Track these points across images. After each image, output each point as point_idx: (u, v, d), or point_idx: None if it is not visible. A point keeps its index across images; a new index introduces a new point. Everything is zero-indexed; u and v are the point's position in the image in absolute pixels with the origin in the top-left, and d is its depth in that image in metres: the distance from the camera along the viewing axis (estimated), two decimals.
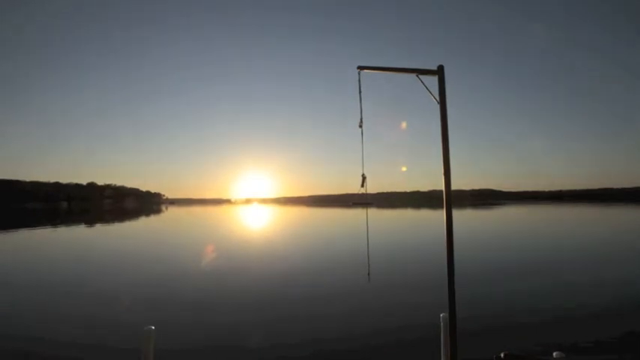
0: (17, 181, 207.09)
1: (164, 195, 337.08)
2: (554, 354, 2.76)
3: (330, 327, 6.66)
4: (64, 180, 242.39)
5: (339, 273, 11.49)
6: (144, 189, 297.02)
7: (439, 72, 3.12)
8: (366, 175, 3.46)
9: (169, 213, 74.50)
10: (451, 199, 3.07)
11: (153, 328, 3.21)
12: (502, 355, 2.79)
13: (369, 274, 4.41)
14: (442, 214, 3.08)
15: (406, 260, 13.94)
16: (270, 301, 8.52)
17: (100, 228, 33.41)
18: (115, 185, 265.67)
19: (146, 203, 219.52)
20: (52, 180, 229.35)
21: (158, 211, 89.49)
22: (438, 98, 3.11)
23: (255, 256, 15.96)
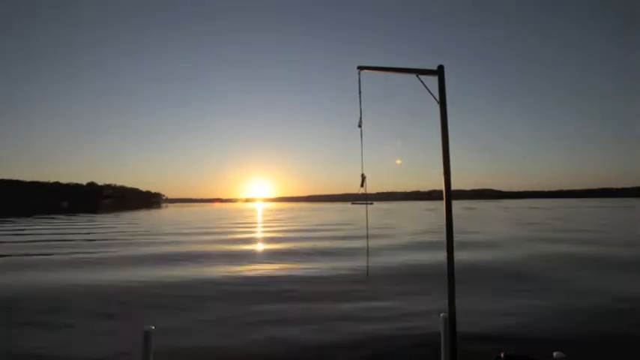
0: (17, 181, 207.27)
1: (164, 195, 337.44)
2: (554, 354, 2.76)
3: (327, 326, 6.65)
4: (64, 180, 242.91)
5: (336, 271, 11.49)
6: (144, 189, 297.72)
7: (439, 72, 3.13)
8: (366, 175, 3.47)
9: (169, 211, 74.42)
10: (451, 199, 3.07)
11: (153, 328, 3.21)
12: (502, 355, 2.79)
13: (367, 273, 4.40)
14: (442, 212, 3.08)
15: (406, 259, 13.93)
16: (267, 299, 8.51)
17: (98, 226, 33.38)
18: (115, 185, 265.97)
19: (146, 203, 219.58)
20: (52, 180, 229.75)
21: (158, 209, 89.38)
22: (438, 98, 3.12)
23: (254, 253, 15.97)
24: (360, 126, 3.54)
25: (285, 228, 31.10)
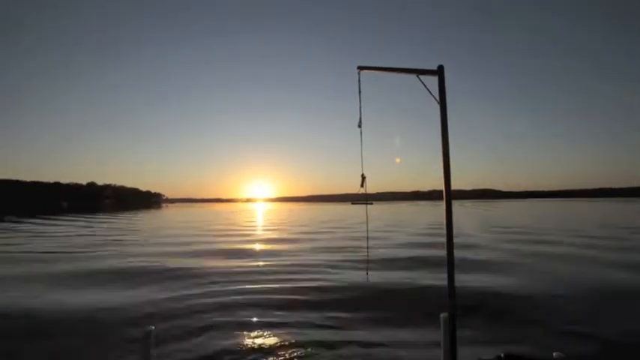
0: (17, 181, 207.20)
1: (164, 195, 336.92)
2: (554, 354, 2.77)
3: (327, 327, 6.66)
4: (64, 180, 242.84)
5: (336, 271, 11.49)
6: (144, 189, 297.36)
7: (439, 72, 3.12)
8: (366, 175, 3.47)
9: (169, 212, 74.28)
10: (451, 199, 3.07)
11: (153, 328, 3.22)
12: (502, 355, 2.80)
13: (367, 273, 4.39)
14: (442, 211, 3.08)
15: (406, 259, 13.92)
16: (267, 298, 8.52)
17: (98, 225, 33.38)
18: (115, 185, 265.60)
19: (146, 203, 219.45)
20: (52, 180, 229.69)
21: (158, 210, 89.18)
22: (438, 98, 3.12)
23: (253, 252, 15.96)
24: (359, 126, 3.54)
25: None
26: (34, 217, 50.02)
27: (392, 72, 3.40)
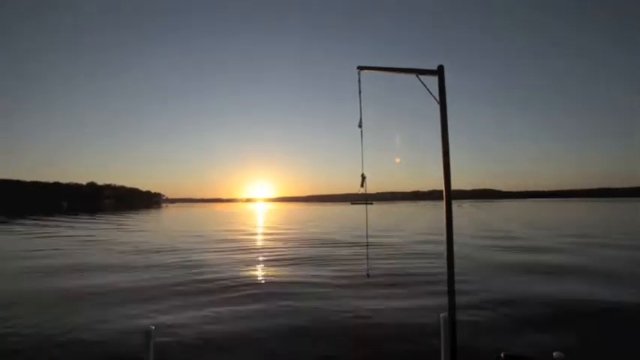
0: (18, 181, 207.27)
1: (164, 195, 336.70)
2: (554, 354, 2.77)
3: (327, 326, 6.65)
4: (64, 180, 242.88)
5: (337, 271, 11.48)
6: (144, 189, 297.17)
7: (439, 72, 3.12)
8: (366, 175, 3.47)
9: (169, 211, 74.21)
10: (451, 199, 3.07)
11: (153, 328, 3.22)
12: (502, 355, 2.79)
13: (367, 274, 4.39)
14: (442, 211, 3.07)
15: (406, 259, 13.92)
16: (267, 298, 8.51)
17: (97, 225, 33.35)
18: (115, 185, 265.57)
19: (146, 203, 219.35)
20: (52, 180, 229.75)
21: (158, 210, 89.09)
22: (438, 98, 3.11)
23: (253, 252, 15.95)
24: (360, 126, 3.54)
25: None
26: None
27: (392, 72, 3.40)
